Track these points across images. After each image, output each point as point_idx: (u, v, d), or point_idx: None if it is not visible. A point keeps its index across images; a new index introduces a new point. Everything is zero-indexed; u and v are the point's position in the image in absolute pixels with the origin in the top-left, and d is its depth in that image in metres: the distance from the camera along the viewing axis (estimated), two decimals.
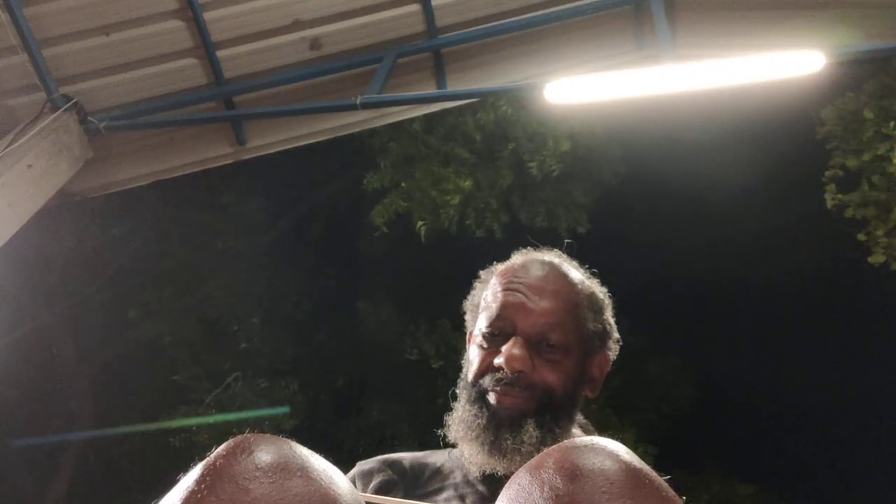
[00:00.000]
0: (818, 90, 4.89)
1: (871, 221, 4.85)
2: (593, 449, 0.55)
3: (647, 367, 9.20)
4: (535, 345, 1.02)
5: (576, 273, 1.10)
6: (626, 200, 8.87)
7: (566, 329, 1.03)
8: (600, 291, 1.11)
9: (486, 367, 1.03)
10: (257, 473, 0.49)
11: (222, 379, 7.75)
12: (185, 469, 0.54)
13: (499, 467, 0.99)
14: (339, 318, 9.18)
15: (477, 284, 1.16)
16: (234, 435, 0.54)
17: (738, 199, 9.40)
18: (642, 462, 0.55)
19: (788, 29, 4.00)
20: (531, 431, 0.98)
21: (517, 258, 1.14)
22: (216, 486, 0.48)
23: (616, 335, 1.12)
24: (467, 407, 1.03)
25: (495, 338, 1.04)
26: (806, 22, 3.95)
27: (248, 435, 0.53)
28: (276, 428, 7.05)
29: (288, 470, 0.50)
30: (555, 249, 1.16)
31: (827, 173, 5.02)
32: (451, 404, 1.08)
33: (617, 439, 0.63)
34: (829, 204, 4.98)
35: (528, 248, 1.17)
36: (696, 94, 3.50)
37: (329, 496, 0.50)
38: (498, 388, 1.00)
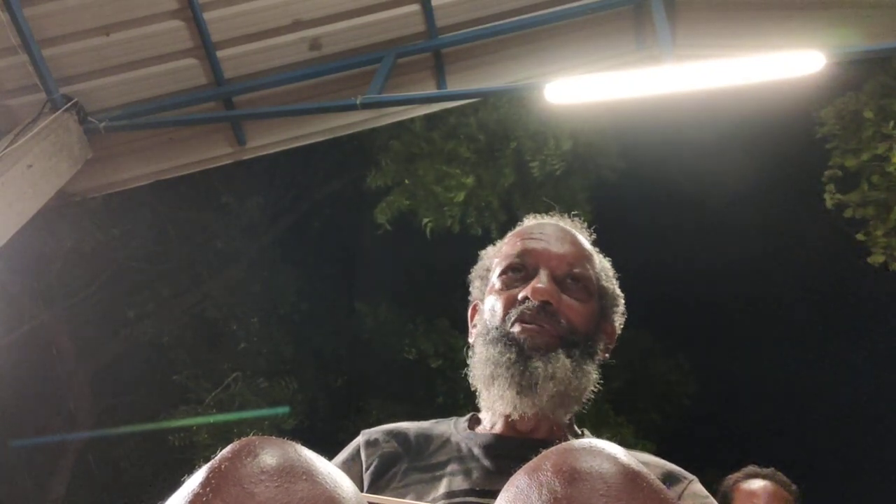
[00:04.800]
0: (818, 90, 4.90)
1: (870, 221, 4.85)
2: (591, 451, 0.55)
3: (649, 366, 9.22)
4: (560, 283, 1.00)
5: (586, 240, 1.12)
6: (627, 200, 8.89)
7: (588, 273, 1.03)
8: (607, 262, 1.12)
9: (510, 304, 1.00)
10: (262, 477, 0.49)
11: (222, 379, 7.74)
12: (186, 469, 0.54)
13: (527, 404, 0.94)
14: (338, 317, 9.19)
15: (485, 253, 1.15)
16: (234, 435, 0.55)
17: (738, 199, 9.41)
18: (640, 465, 0.55)
19: (788, 29, 4.00)
20: (563, 359, 0.95)
21: (529, 220, 1.15)
22: (221, 490, 0.48)
23: (622, 307, 1.11)
24: (490, 346, 0.98)
25: (517, 279, 1.02)
26: (806, 22, 3.95)
27: (253, 438, 0.53)
28: (276, 428, 7.06)
29: (293, 473, 0.50)
30: (566, 216, 1.17)
31: (826, 173, 5.02)
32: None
33: (615, 438, 0.63)
34: (829, 204, 4.98)
35: (538, 214, 1.18)
36: (697, 93, 3.51)
37: (334, 499, 0.50)
38: (524, 318, 0.97)
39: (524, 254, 1.03)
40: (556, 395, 0.94)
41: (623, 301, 1.12)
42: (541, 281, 0.98)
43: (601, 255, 1.13)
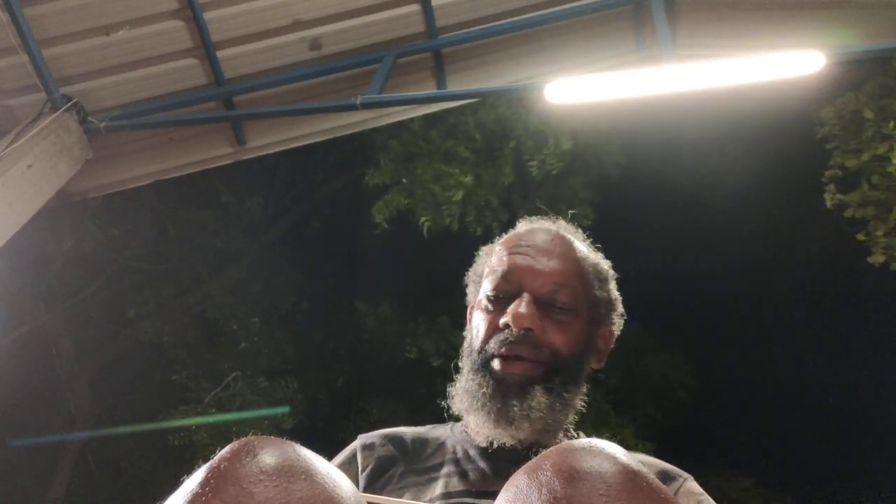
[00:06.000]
0: (818, 90, 4.90)
1: (870, 221, 4.85)
2: (591, 451, 0.55)
3: (647, 362, 9.22)
4: (544, 305, 0.99)
5: (580, 243, 1.09)
6: (627, 199, 8.88)
7: (575, 291, 1.01)
8: (604, 263, 1.10)
9: (492, 329, 0.99)
10: (261, 476, 0.49)
11: (222, 378, 7.75)
12: (186, 469, 0.54)
13: (505, 436, 0.95)
14: (339, 316, 9.18)
15: (479, 257, 1.15)
16: (234, 434, 0.55)
17: (738, 199, 9.42)
18: (640, 464, 0.55)
19: (788, 29, 4.00)
20: (539, 397, 0.94)
21: (522, 225, 1.13)
22: (220, 490, 0.48)
23: (620, 309, 1.10)
24: (471, 376, 1.00)
25: (501, 300, 1.01)
26: (806, 22, 3.95)
27: (252, 437, 0.54)
28: (276, 428, 7.06)
29: (292, 473, 0.50)
30: (559, 219, 1.14)
31: (827, 173, 5.03)
32: (454, 376, 1.05)
33: (615, 438, 0.63)
34: (829, 204, 4.99)
35: (534, 217, 1.16)
36: (697, 93, 3.51)
37: (333, 499, 0.50)
38: (503, 350, 0.97)
39: (509, 273, 1.01)
40: (533, 430, 0.95)
41: (620, 303, 1.10)
42: (522, 306, 0.97)
43: (599, 256, 1.10)
